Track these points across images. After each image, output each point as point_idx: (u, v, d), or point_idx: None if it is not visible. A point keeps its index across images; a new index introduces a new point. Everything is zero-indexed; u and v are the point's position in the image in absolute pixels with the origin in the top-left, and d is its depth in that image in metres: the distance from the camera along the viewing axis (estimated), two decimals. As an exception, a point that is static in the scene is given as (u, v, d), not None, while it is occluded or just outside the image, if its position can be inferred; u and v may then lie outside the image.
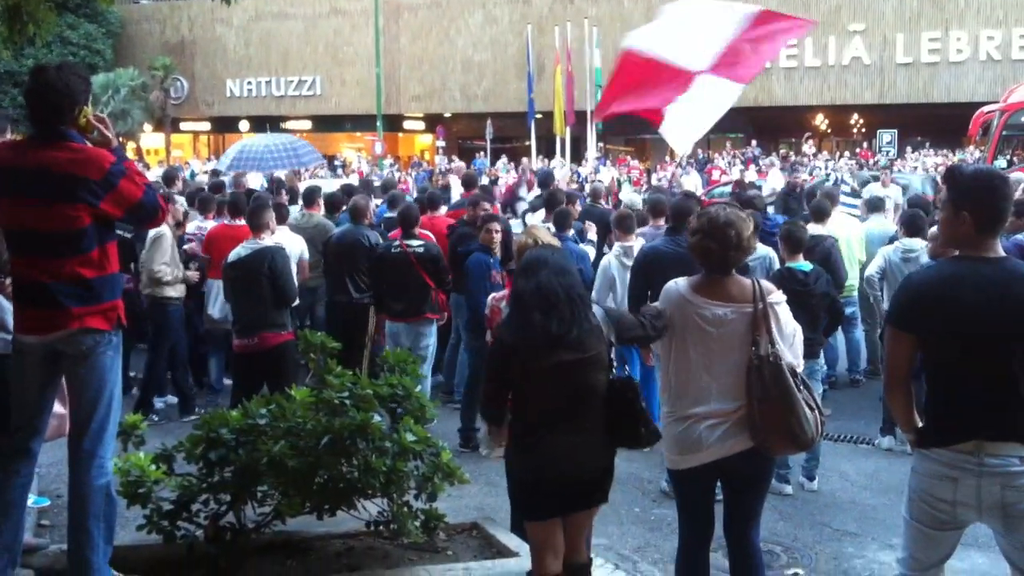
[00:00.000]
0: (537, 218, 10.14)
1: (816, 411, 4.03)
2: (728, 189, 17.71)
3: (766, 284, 4.15)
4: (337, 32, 36.26)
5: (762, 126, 35.10)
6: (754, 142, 33.92)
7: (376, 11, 32.49)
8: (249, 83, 37.49)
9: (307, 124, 38.19)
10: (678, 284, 4.17)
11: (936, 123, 33.03)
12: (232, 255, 7.06)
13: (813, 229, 8.09)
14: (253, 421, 4.62)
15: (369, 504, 4.66)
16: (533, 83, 30.63)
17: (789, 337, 4.08)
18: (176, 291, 8.32)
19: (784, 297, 4.14)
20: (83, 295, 4.01)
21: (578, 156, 28.78)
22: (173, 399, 8.75)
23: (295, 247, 8.34)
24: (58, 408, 4.54)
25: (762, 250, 7.12)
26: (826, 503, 6.54)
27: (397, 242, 8.07)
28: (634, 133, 33.38)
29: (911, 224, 7.92)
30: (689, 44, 8.30)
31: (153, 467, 4.53)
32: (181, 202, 9.47)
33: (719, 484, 4.19)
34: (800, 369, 4.11)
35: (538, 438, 3.99)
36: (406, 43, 35.47)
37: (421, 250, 7.98)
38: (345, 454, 4.54)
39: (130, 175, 4.04)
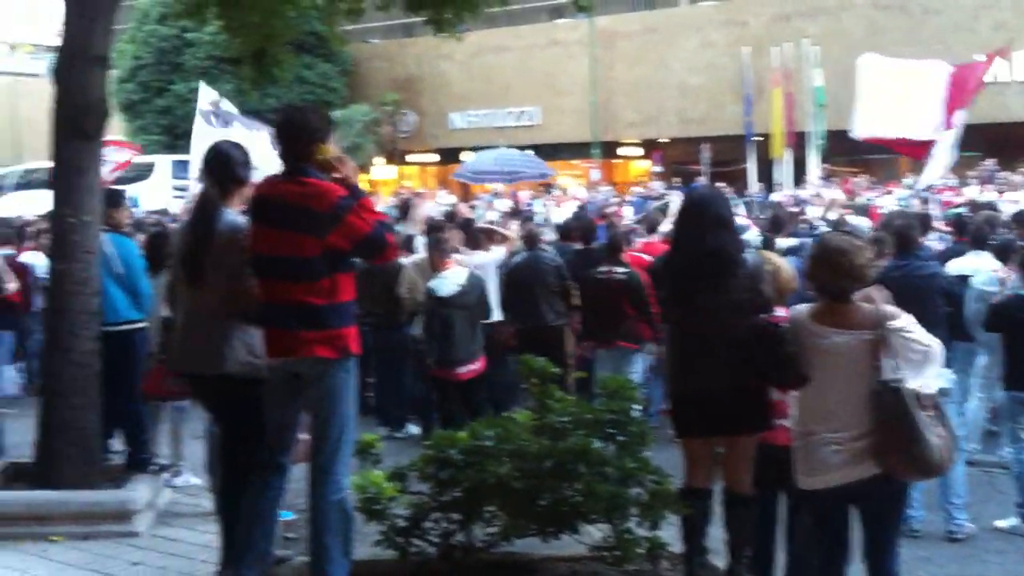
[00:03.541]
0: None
1: (946, 436, 4.00)
2: (957, 210, 16.79)
3: (888, 309, 4.10)
4: (554, 62, 36.83)
5: (999, 144, 33.02)
6: (991, 161, 31.97)
7: (591, 40, 32.83)
8: (471, 115, 38.61)
9: (527, 154, 38.88)
10: (799, 311, 4.27)
11: None
12: (451, 287, 7.34)
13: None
14: (480, 443, 4.80)
15: (593, 529, 4.74)
16: (751, 106, 30.11)
17: (917, 361, 4.00)
18: None
19: (909, 321, 4.05)
20: (311, 321, 4.27)
21: (799, 179, 28.02)
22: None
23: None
24: (303, 435, 4.85)
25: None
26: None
27: (603, 267, 8.21)
28: (858, 153, 32.18)
29: None
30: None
31: (388, 485, 4.78)
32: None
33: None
34: (933, 391, 4.06)
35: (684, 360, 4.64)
36: (622, 70, 35.61)
37: (624, 277, 8.07)
38: (568, 478, 4.65)
39: (357, 210, 4.25)
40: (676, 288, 4.90)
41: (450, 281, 7.47)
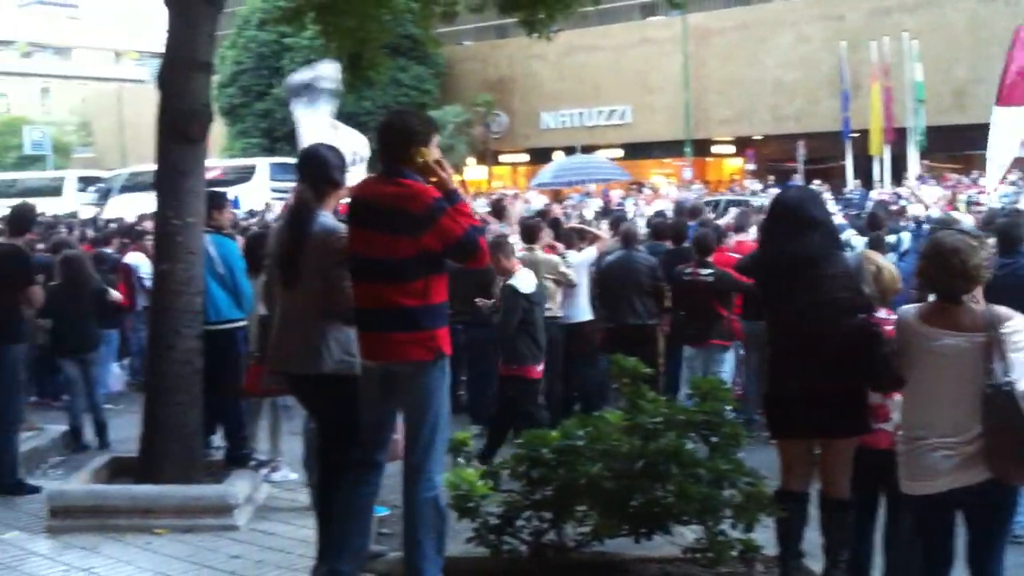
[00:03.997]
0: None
1: None
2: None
3: (1002, 311, 3.95)
4: (646, 60, 36.62)
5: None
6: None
7: (684, 37, 32.56)
8: (563, 115, 38.62)
9: (618, 152, 38.78)
10: (908, 312, 4.13)
11: None
12: (531, 284, 7.34)
13: None
14: (571, 442, 4.80)
15: (685, 530, 4.71)
16: (848, 101, 29.49)
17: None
18: None
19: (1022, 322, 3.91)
20: (403, 323, 4.31)
21: (897, 175, 27.35)
22: None
23: None
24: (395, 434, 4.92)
25: None
26: None
27: (689, 268, 8.18)
28: (958, 149, 31.27)
29: None
30: None
31: (480, 483, 4.82)
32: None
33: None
34: None
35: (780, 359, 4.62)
36: (715, 67, 35.23)
37: (711, 279, 8.03)
38: (660, 479, 4.63)
39: (452, 213, 4.25)
40: (768, 288, 4.85)
41: (527, 279, 7.47)
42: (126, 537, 5.63)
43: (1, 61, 66.87)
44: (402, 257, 4.27)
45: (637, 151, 38.43)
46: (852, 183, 26.45)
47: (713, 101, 35.46)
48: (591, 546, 4.82)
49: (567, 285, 8.79)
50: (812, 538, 4.85)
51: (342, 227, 4.70)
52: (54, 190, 31.23)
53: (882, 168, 27.62)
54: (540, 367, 7.37)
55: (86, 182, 32.47)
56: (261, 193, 22.54)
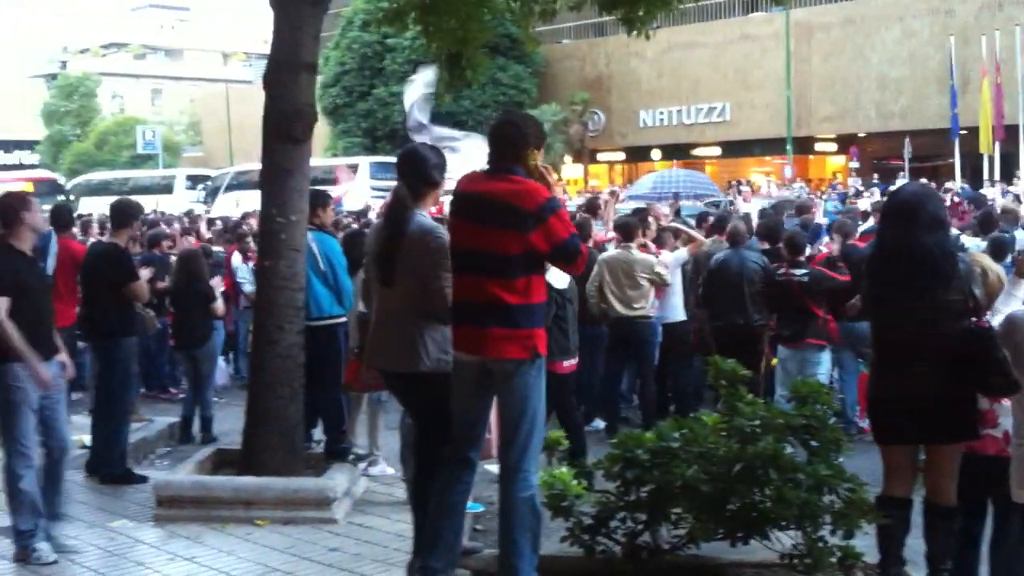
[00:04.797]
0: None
1: None
2: None
3: None
4: (746, 57, 36.10)
5: None
6: None
7: (787, 33, 32.00)
8: (661, 113, 38.34)
9: (716, 151, 38.36)
10: (1021, 315, 4.10)
11: None
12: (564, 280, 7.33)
13: None
14: (666, 444, 4.77)
15: (783, 535, 4.64)
16: (957, 98, 28.61)
17: None
18: None
19: None
20: (503, 319, 4.32)
21: (1008, 174, 26.43)
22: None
23: None
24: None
25: None
26: None
27: (782, 269, 8.06)
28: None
29: None
30: None
31: (574, 482, 4.82)
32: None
33: None
34: None
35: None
36: (817, 63, 34.55)
37: (806, 279, 7.89)
38: (757, 483, 4.56)
39: (560, 215, 4.35)
40: (881, 290, 4.72)
41: (561, 275, 7.45)
42: (228, 527, 5.78)
43: (116, 63, 69.33)
44: (509, 253, 4.29)
45: (736, 149, 37.94)
46: (960, 182, 25.66)
47: (816, 98, 34.79)
48: (686, 549, 4.78)
49: (660, 285, 8.74)
50: (915, 546, 4.73)
51: (440, 227, 4.74)
52: (164, 188, 32.27)
53: (992, 167, 26.73)
54: (569, 363, 7.32)
55: (194, 180, 33.48)
56: (363, 191, 22.90)
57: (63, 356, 5.60)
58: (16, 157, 55.20)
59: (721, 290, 8.56)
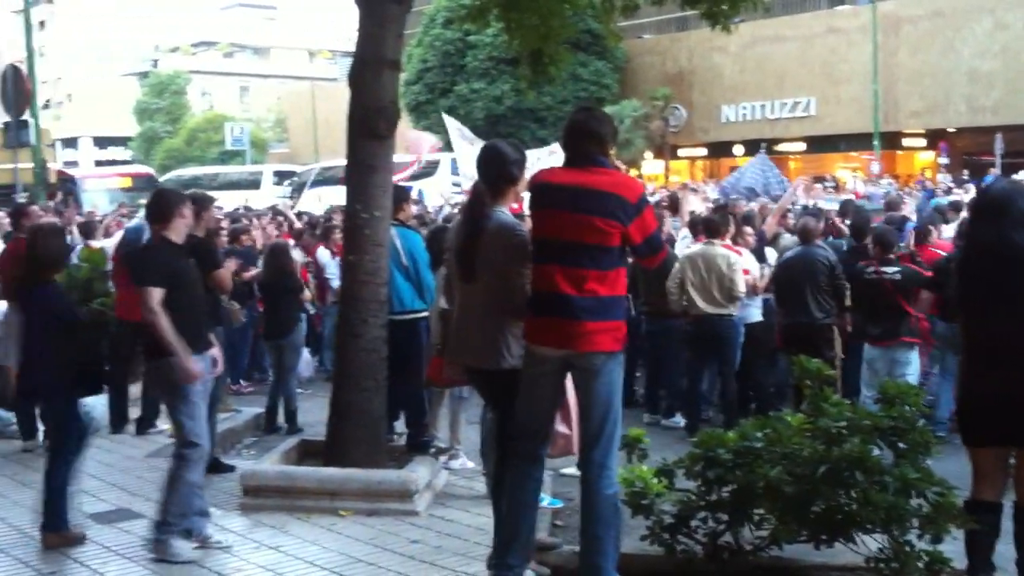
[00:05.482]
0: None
1: None
2: None
3: None
4: (833, 51, 35.46)
5: None
6: None
7: (874, 26, 31.34)
8: (743, 108, 37.87)
9: (800, 146, 37.74)
10: None
11: None
12: None
13: None
14: (749, 444, 4.72)
15: (869, 539, 4.56)
16: (1052, 91, 27.72)
17: None
18: None
19: None
20: (596, 311, 4.31)
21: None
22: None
23: None
24: (563, 428, 4.93)
25: None
26: None
27: (872, 267, 7.89)
28: None
29: None
30: None
31: (655, 480, 4.80)
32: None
33: None
34: None
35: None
36: (905, 57, 33.78)
37: (898, 277, 7.71)
38: (843, 485, 4.50)
39: (650, 208, 4.44)
40: (969, 289, 4.61)
41: None
42: (312, 517, 5.87)
43: (205, 61, 70.90)
44: (608, 244, 4.30)
45: (821, 144, 37.29)
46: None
47: (904, 92, 34.02)
48: (768, 550, 4.73)
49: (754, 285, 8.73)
50: (1005, 552, 4.61)
51: (520, 224, 4.76)
52: (252, 183, 32.84)
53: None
54: None
55: (281, 176, 34.00)
56: (445, 188, 23.04)
57: (215, 351, 5.67)
58: (110, 153, 56.84)
59: (788, 288, 8.45)
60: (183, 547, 5.26)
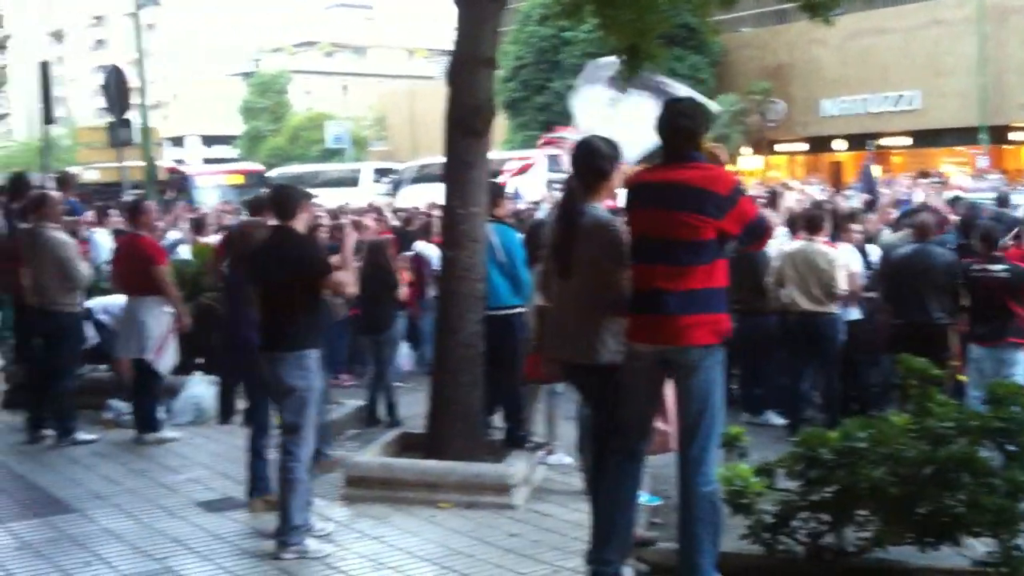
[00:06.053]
0: None
1: None
2: None
3: None
4: (937, 42, 34.47)
5: None
6: None
7: (980, 17, 30.37)
8: (844, 101, 37.06)
9: (906, 140, 36.78)
10: None
11: None
12: None
13: None
14: (852, 444, 4.65)
15: (976, 543, 4.45)
16: None
17: None
18: None
19: None
20: (694, 305, 4.32)
21: None
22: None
23: None
24: (661, 425, 4.92)
25: None
26: None
27: (979, 264, 7.67)
28: None
29: None
30: None
31: (755, 479, 4.75)
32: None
33: None
34: None
35: None
36: (1015, 48, 32.63)
37: (1005, 275, 7.47)
38: (949, 487, 4.40)
39: (747, 196, 4.47)
40: None
41: None
42: (412, 509, 5.98)
43: (306, 61, 72.32)
44: (703, 239, 4.31)
45: (926, 139, 36.28)
46: None
47: (1012, 84, 32.87)
48: (872, 552, 4.65)
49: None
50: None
51: (615, 219, 4.76)
52: (352, 181, 33.39)
53: None
54: None
55: (381, 173, 34.49)
56: (540, 184, 23.10)
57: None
58: (216, 152, 58.41)
59: (902, 286, 8.21)
60: (318, 545, 5.40)
